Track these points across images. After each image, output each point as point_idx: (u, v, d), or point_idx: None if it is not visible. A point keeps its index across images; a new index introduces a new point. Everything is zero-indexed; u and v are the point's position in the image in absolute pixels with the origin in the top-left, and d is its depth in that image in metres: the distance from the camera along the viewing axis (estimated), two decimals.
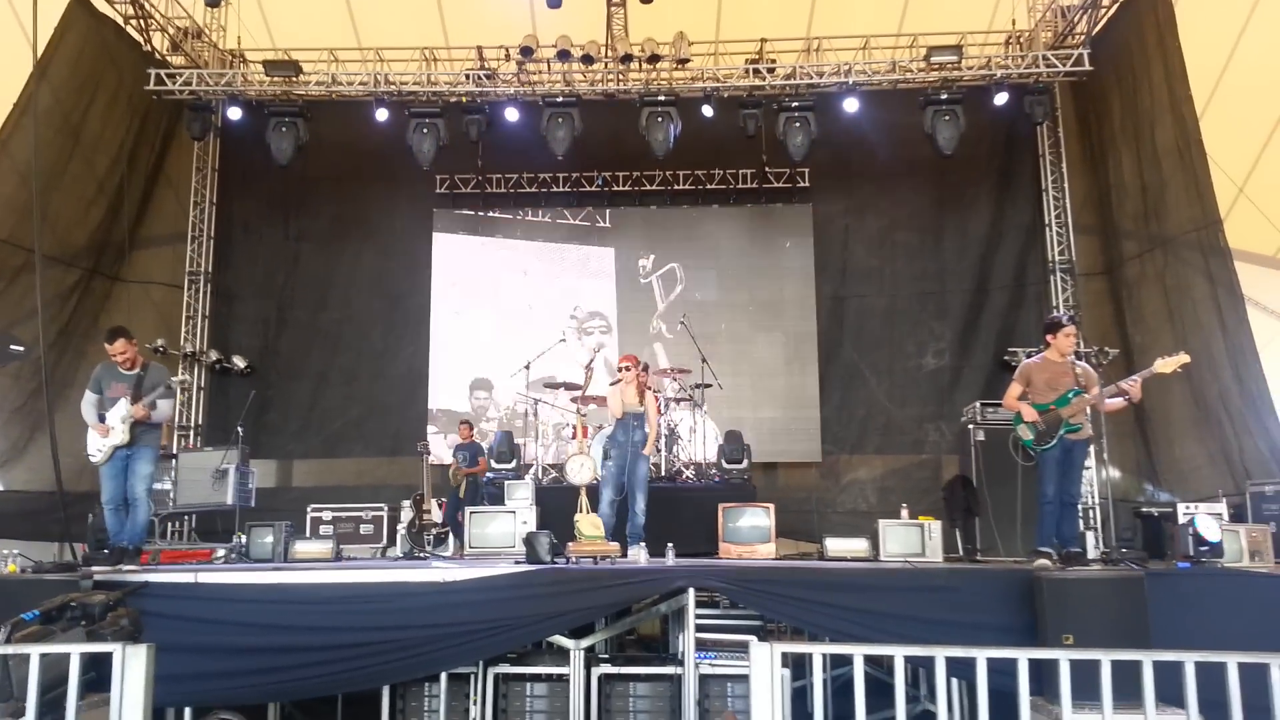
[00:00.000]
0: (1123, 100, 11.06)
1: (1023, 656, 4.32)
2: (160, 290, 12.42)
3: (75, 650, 4.33)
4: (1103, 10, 11.19)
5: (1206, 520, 6.66)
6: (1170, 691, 4.21)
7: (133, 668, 4.31)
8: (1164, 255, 10.33)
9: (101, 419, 6.78)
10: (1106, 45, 11.23)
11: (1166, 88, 10.20)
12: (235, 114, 11.83)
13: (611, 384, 8.14)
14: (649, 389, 7.99)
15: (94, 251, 11.28)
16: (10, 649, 4.44)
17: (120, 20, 11.37)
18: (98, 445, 6.76)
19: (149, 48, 11.74)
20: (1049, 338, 6.92)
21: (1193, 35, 10.16)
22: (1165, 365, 6.59)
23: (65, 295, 10.80)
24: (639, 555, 7.32)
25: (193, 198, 12.85)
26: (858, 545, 7.81)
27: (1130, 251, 10.98)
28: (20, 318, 9.80)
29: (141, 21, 11.52)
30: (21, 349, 8.96)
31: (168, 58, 11.98)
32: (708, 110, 11.41)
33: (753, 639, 6.05)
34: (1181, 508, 6.95)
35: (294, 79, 11.57)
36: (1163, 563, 6.67)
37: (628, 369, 7.87)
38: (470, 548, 8.03)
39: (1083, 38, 11.38)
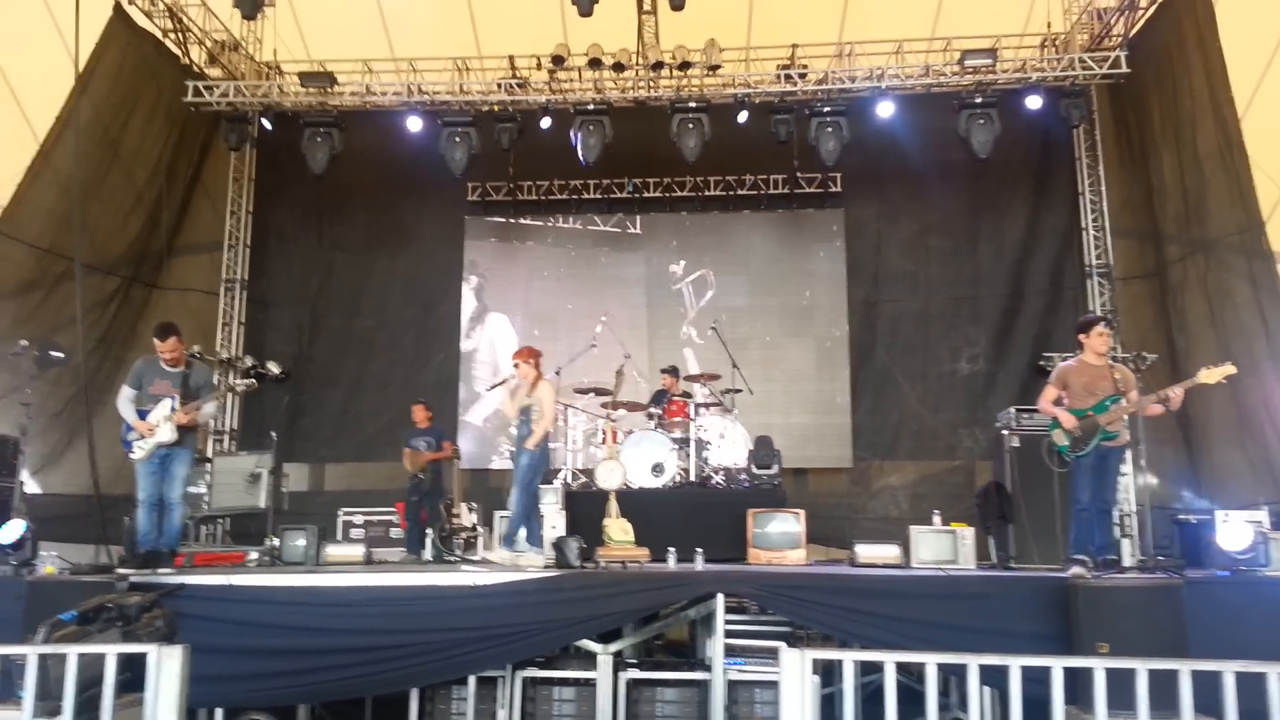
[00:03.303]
0: (1162, 102, 10.87)
1: (1057, 665, 4.26)
2: (197, 297, 12.61)
3: (111, 651, 4.40)
4: (1140, 12, 11.03)
5: (1229, 529, 6.50)
6: (1208, 702, 4.12)
7: (167, 668, 4.38)
8: (1205, 259, 10.13)
9: (141, 415, 6.77)
10: (1144, 47, 11.06)
11: (1207, 89, 9.99)
12: (271, 125, 12.00)
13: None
14: (543, 379, 7.53)
15: (132, 260, 11.46)
16: (48, 649, 4.51)
17: (159, 34, 11.57)
18: (140, 442, 6.77)
19: (187, 60, 11.95)
20: (1082, 338, 6.82)
21: (1233, 35, 9.96)
22: (1209, 376, 6.43)
23: (104, 303, 10.99)
24: (504, 558, 7.07)
25: (229, 207, 13.06)
26: (889, 552, 7.74)
27: (1172, 255, 10.79)
28: (61, 325, 9.97)
29: (180, 35, 11.73)
30: (62, 355, 9.12)
31: (205, 70, 12.18)
32: (742, 116, 11.40)
33: (782, 645, 6.04)
34: (1220, 515, 6.80)
35: (329, 90, 11.73)
36: (1201, 571, 6.53)
37: (516, 365, 7.51)
38: (497, 550, 8.03)
39: (1120, 39, 11.23)
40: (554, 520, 8.23)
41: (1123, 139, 11.96)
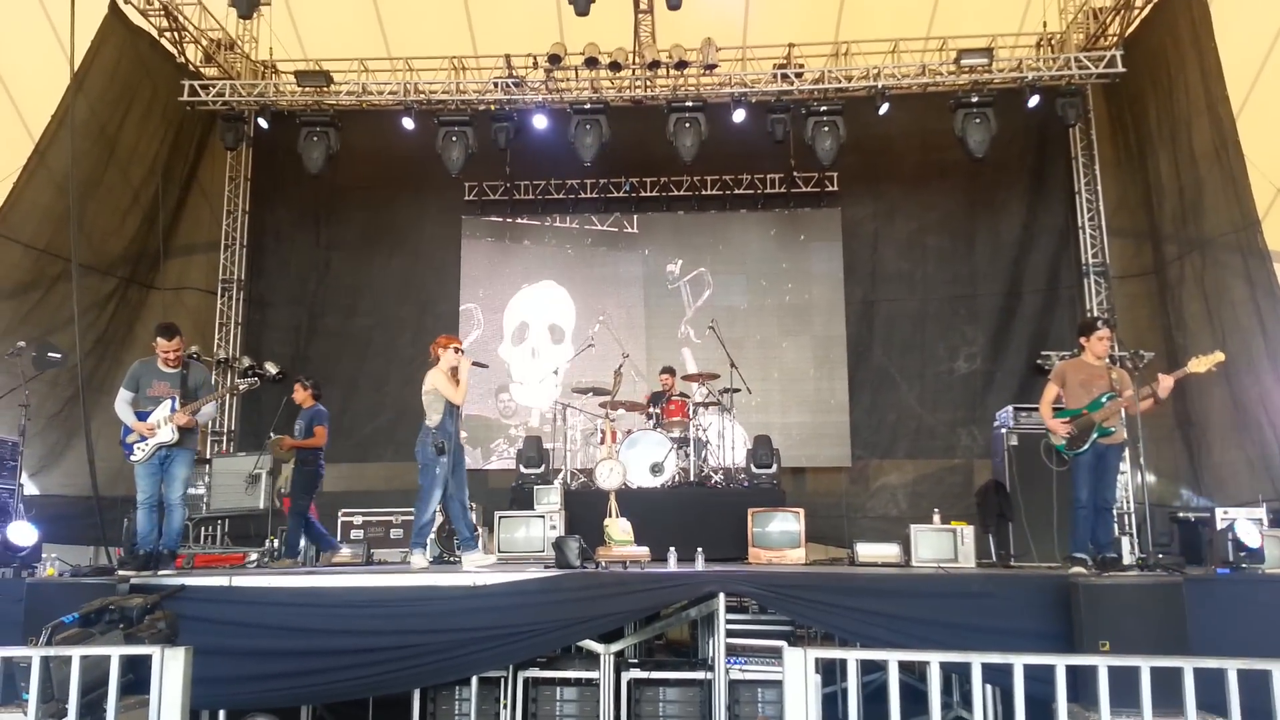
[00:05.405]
0: (1158, 101, 10.90)
1: (1060, 663, 4.27)
2: (194, 297, 12.58)
3: (114, 652, 4.39)
4: (1136, 11, 11.06)
5: (1246, 525, 6.55)
6: (1210, 699, 4.14)
7: (171, 670, 4.37)
8: (1202, 258, 10.17)
9: (140, 417, 6.78)
10: (1140, 46, 11.09)
11: (1202, 88, 10.03)
12: (267, 124, 11.98)
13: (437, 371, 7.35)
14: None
15: (129, 260, 11.44)
16: (51, 651, 4.51)
17: (155, 33, 11.54)
18: (141, 443, 6.76)
19: (183, 59, 11.91)
20: (1082, 340, 6.87)
21: (1228, 34, 10.00)
22: (1199, 364, 6.49)
23: (102, 303, 10.97)
24: (481, 561, 7.05)
25: (226, 206, 13.03)
26: (889, 551, 7.76)
27: (1169, 254, 10.82)
28: (58, 325, 9.96)
29: (175, 34, 11.70)
30: (59, 356, 9.10)
31: (201, 69, 12.15)
32: (738, 115, 11.40)
33: (784, 644, 6.04)
34: (1219, 513, 6.83)
35: (325, 89, 11.70)
36: (1201, 569, 6.56)
37: (456, 350, 7.33)
38: (499, 552, 8.05)
39: (1115, 39, 11.27)
40: (553, 520, 8.23)
41: (1119, 138, 12.00)
